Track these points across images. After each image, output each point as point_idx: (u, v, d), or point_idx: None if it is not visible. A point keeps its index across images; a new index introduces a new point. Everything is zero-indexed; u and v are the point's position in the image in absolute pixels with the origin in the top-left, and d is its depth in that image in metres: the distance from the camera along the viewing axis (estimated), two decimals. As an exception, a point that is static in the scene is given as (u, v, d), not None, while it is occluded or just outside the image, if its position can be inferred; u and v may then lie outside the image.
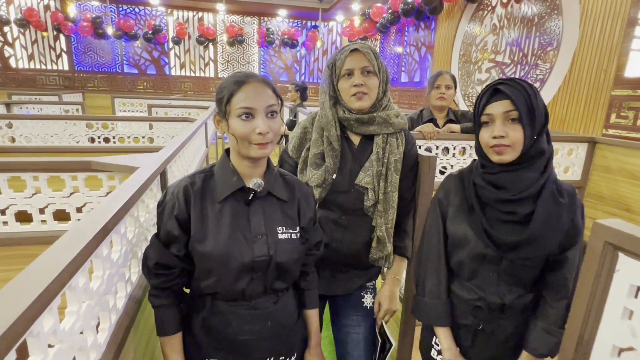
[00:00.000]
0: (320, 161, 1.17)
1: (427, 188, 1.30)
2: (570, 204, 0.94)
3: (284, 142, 3.90)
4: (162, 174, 1.39)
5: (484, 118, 0.95)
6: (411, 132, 1.76)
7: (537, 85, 3.39)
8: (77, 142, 3.13)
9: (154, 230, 1.04)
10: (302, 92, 4.08)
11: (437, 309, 1.05)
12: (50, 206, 1.45)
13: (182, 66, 8.38)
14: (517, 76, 3.00)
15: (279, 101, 0.89)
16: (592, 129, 2.76)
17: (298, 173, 1.21)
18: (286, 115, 4.36)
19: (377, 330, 1.27)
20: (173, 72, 8.36)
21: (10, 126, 2.99)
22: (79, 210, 1.48)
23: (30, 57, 7.58)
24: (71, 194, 1.46)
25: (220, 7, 7.46)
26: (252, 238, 0.88)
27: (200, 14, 8.17)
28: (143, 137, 3.34)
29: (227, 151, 0.93)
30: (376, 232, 1.19)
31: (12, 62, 7.47)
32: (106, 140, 3.22)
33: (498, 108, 0.91)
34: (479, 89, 4.31)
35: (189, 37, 8.22)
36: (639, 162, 2.32)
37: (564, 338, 0.68)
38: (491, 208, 0.97)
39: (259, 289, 0.90)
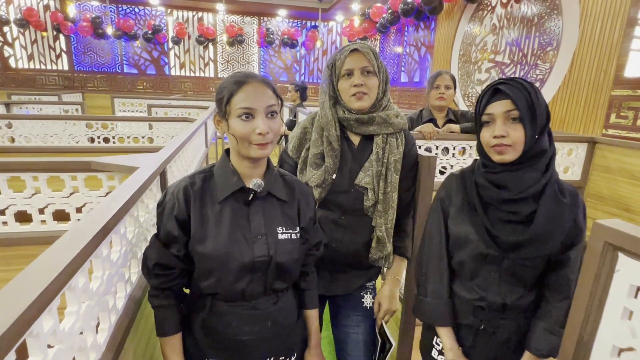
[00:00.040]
0: (320, 161, 1.17)
1: (427, 188, 1.30)
2: (572, 203, 0.94)
3: (283, 142, 3.90)
4: (162, 174, 1.39)
5: (484, 118, 0.95)
6: (411, 132, 1.76)
7: (536, 85, 3.39)
8: (77, 142, 3.13)
9: (154, 230, 1.04)
10: (302, 92, 4.08)
11: (439, 309, 1.05)
12: (50, 206, 1.45)
13: (182, 66, 8.38)
14: (516, 76, 2.99)
15: (279, 101, 0.89)
16: (592, 129, 2.76)
17: (298, 173, 1.21)
18: (286, 115, 4.36)
19: (377, 331, 1.27)
20: (173, 72, 8.36)
21: (9, 126, 2.99)
22: (78, 210, 1.48)
23: (30, 57, 7.57)
24: (71, 194, 1.46)
25: (220, 7, 7.46)
26: (252, 238, 0.88)
27: (200, 14, 8.17)
28: (143, 137, 3.34)
29: (227, 151, 0.92)
30: (376, 232, 1.19)
31: (12, 62, 7.46)
32: (106, 140, 3.22)
33: (499, 108, 0.92)
34: (479, 89, 4.31)
35: (189, 37, 8.22)
36: (638, 162, 2.33)
37: (563, 338, 0.68)
38: (493, 208, 0.96)
39: (259, 289, 0.90)
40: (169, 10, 8.06)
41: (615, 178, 2.47)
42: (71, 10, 7.19)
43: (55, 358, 0.57)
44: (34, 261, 0.59)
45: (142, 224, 1.11)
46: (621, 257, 0.58)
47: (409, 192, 1.27)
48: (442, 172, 2.32)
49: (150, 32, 7.77)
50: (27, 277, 0.54)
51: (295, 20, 8.58)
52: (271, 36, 8.35)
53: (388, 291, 1.26)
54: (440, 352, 1.10)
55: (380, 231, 1.18)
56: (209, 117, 3.34)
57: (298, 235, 0.94)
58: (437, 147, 2.24)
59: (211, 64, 8.48)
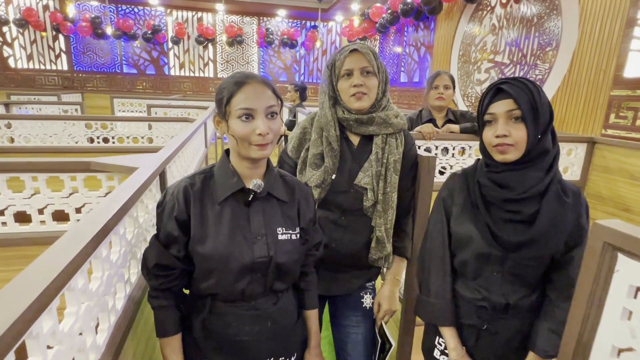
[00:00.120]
0: (320, 161, 1.17)
1: (426, 188, 1.30)
2: (575, 203, 0.94)
3: (283, 142, 3.90)
4: (162, 175, 1.39)
5: (487, 117, 0.95)
6: (410, 132, 1.76)
7: (536, 85, 3.37)
8: (76, 143, 3.13)
9: (153, 231, 1.04)
10: (302, 92, 4.08)
11: (441, 309, 1.05)
12: (49, 207, 1.45)
13: (182, 66, 8.37)
14: (520, 76, 2.99)
15: (279, 102, 0.89)
16: (591, 129, 2.77)
17: (297, 173, 1.21)
18: (285, 115, 4.36)
19: (376, 331, 1.27)
20: (172, 72, 8.35)
21: (9, 126, 2.98)
22: (78, 210, 1.48)
23: (29, 57, 7.56)
24: (70, 194, 1.45)
25: (220, 7, 7.46)
26: (252, 239, 0.88)
27: (199, 14, 8.16)
28: (142, 138, 3.34)
29: (227, 152, 0.92)
30: (375, 232, 1.19)
31: (11, 62, 7.45)
32: (105, 140, 3.21)
33: (501, 107, 0.91)
34: (478, 89, 4.31)
35: (188, 37, 8.21)
36: (637, 162, 2.33)
37: (563, 338, 0.68)
38: (495, 207, 0.96)
39: (259, 289, 0.90)
40: (168, 10, 8.05)
41: (614, 178, 2.47)
42: (70, 10, 7.17)
43: (55, 359, 0.57)
44: (33, 262, 0.59)
45: (142, 224, 1.11)
46: (620, 257, 0.58)
47: (408, 192, 1.27)
48: (441, 173, 2.32)
49: (149, 32, 7.76)
50: (27, 278, 0.54)
51: (295, 21, 8.58)
52: (271, 36, 8.34)
53: (388, 291, 1.26)
54: (443, 352, 1.10)
55: (379, 231, 1.18)
56: (208, 117, 3.34)
57: (298, 235, 0.94)
58: (436, 147, 2.24)
59: (211, 64, 8.48)
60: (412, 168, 1.27)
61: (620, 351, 0.58)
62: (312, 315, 1.06)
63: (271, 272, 0.90)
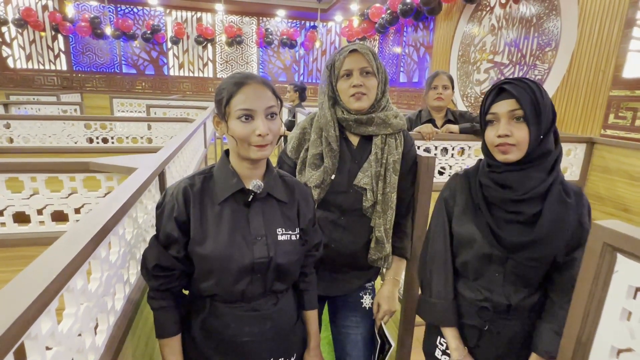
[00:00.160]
0: (319, 162, 1.17)
1: (426, 189, 1.30)
2: (577, 204, 0.93)
3: (282, 142, 3.90)
4: (161, 175, 1.39)
5: (489, 117, 0.95)
6: (410, 132, 1.76)
7: (535, 85, 3.38)
8: (76, 143, 3.12)
9: (153, 231, 1.04)
10: (301, 92, 4.08)
11: (443, 309, 1.05)
12: (48, 207, 1.45)
13: (181, 66, 8.37)
14: (511, 77, 3.00)
15: (279, 102, 0.89)
16: (591, 130, 2.77)
17: (297, 174, 1.21)
18: (285, 115, 4.36)
19: (376, 331, 1.27)
20: (172, 73, 8.34)
21: (8, 127, 2.98)
22: (77, 211, 1.48)
23: (28, 57, 7.55)
24: (69, 194, 1.45)
25: (219, 7, 7.45)
26: (251, 239, 0.88)
27: (198, 14, 8.16)
28: (141, 138, 3.33)
29: (227, 152, 0.92)
30: (375, 232, 1.19)
31: (10, 62, 7.44)
32: (104, 140, 3.21)
33: (503, 107, 0.91)
34: (478, 89, 4.32)
35: (188, 37, 8.21)
36: (636, 162, 2.33)
37: (562, 339, 0.68)
38: (497, 208, 0.96)
39: (259, 290, 0.90)
40: (167, 11, 8.05)
41: (613, 178, 2.47)
42: (70, 11, 7.16)
43: (54, 360, 0.57)
44: (32, 263, 0.59)
45: (141, 225, 1.11)
46: (620, 258, 0.58)
47: (407, 192, 1.27)
48: (441, 173, 2.32)
49: (149, 32, 7.76)
50: (26, 279, 0.54)
51: (294, 21, 8.58)
52: (270, 36, 8.34)
53: (387, 292, 1.25)
54: (444, 352, 1.10)
55: (379, 232, 1.18)
56: (208, 117, 3.34)
57: (298, 236, 0.94)
58: (436, 148, 2.24)
59: (210, 64, 8.47)
60: (412, 168, 1.27)
61: (619, 352, 0.58)
62: (311, 315, 1.06)
63: (271, 272, 0.90)
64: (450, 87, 2.16)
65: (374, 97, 1.13)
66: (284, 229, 0.92)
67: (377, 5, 6.12)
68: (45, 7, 7.45)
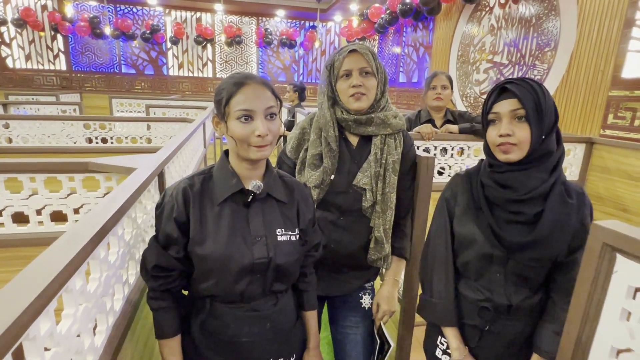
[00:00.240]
0: (319, 162, 1.17)
1: (425, 189, 1.30)
2: (579, 204, 0.93)
3: (282, 142, 3.89)
4: (160, 175, 1.39)
5: (491, 116, 0.95)
6: (409, 132, 1.76)
7: (534, 85, 3.37)
8: (75, 143, 3.12)
9: (152, 231, 1.04)
10: (301, 92, 4.08)
11: (444, 309, 1.05)
12: (47, 207, 1.45)
13: (180, 66, 8.36)
14: (514, 77, 2.99)
15: (278, 102, 0.89)
16: (590, 130, 2.77)
17: (296, 174, 1.21)
18: (284, 115, 4.36)
19: (375, 331, 1.27)
20: (171, 73, 8.34)
21: (7, 127, 2.97)
22: (76, 211, 1.47)
23: (28, 57, 7.54)
24: (68, 195, 1.45)
25: (219, 7, 7.45)
26: (251, 240, 0.88)
27: (198, 14, 8.15)
28: (141, 138, 3.33)
29: (226, 152, 0.92)
30: (374, 232, 1.19)
31: (9, 62, 7.43)
32: (104, 140, 3.20)
33: (505, 106, 0.91)
34: (477, 89, 4.32)
35: (187, 37, 8.20)
36: (636, 162, 2.33)
37: (562, 339, 0.68)
38: (499, 208, 0.96)
39: (258, 290, 0.90)
40: (167, 11, 8.04)
41: (612, 178, 2.47)
42: (69, 10, 7.15)
43: (52, 361, 0.57)
44: (31, 263, 0.58)
45: (140, 225, 1.11)
46: (619, 258, 0.58)
47: (407, 192, 1.27)
48: (440, 173, 2.32)
49: (148, 32, 7.75)
50: (24, 280, 0.54)
51: (294, 21, 8.57)
52: (269, 36, 8.34)
53: (387, 292, 1.25)
54: (445, 352, 1.10)
55: (378, 232, 1.18)
56: (207, 117, 3.33)
57: (297, 236, 0.94)
58: (435, 148, 2.24)
59: (209, 64, 8.47)
60: (411, 168, 1.27)
61: (619, 352, 0.58)
62: (311, 316, 1.06)
63: (270, 273, 0.90)
64: (449, 87, 2.16)
65: (374, 97, 1.13)
66: (283, 230, 0.92)
67: (377, 5, 6.12)
68: (44, 7, 7.44)
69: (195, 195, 0.88)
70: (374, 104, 1.14)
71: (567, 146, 2.57)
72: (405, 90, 6.25)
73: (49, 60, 7.68)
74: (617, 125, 2.57)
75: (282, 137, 3.74)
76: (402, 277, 1.43)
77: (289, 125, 3.93)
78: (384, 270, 1.30)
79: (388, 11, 5.69)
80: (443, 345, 1.10)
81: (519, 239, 0.92)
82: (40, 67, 7.64)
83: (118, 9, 7.82)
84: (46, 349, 0.56)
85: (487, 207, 0.97)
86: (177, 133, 3.09)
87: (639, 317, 0.55)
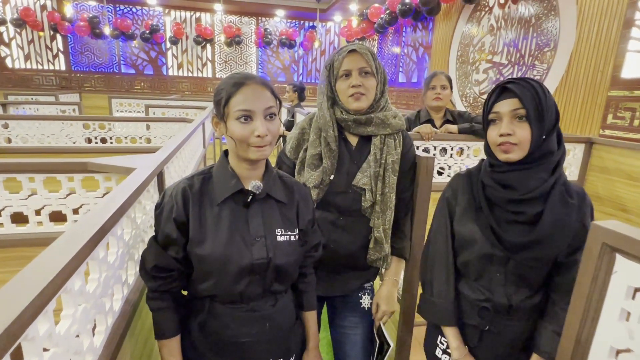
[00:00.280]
0: (318, 162, 1.17)
1: (425, 189, 1.30)
2: (579, 205, 0.93)
3: (281, 142, 3.89)
4: (159, 175, 1.39)
5: (491, 116, 0.95)
6: (409, 132, 1.76)
7: (534, 85, 3.37)
8: (74, 143, 3.12)
9: (151, 232, 1.04)
10: (300, 92, 4.08)
11: (444, 308, 1.05)
12: (47, 207, 1.44)
13: (180, 66, 8.36)
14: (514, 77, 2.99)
15: (278, 102, 0.89)
16: (589, 130, 2.77)
17: (296, 174, 1.21)
18: (284, 115, 4.36)
19: (375, 332, 1.27)
20: (170, 73, 8.33)
21: (6, 127, 2.97)
22: (75, 211, 1.47)
23: (27, 57, 7.54)
24: (67, 195, 1.45)
25: (218, 7, 7.44)
26: (250, 240, 0.88)
27: (197, 14, 8.15)
28: (140, 138, 3.33)
29: (226, 153, 0.92)
30: (374, 233, 1.19)
31: (9, 62, 7.42)
32: (103, 140, 3.20)
33: (505, 106, 0.91)
34: (477, 89, 4.32)
35: (187, 37, 8.20)
36: (635, 162, 2.33)
37: (561, 339, 0.68)
38: (499, 208, 0.96)
39: (258, 291, 0.90)
40: (166, 10, 8.04)
41: (612, 178, 2.48)
42: (68, 10, 7.14)
43: (51, 361, 0.57)
44: (29, 264, 0.58)
45: (140, 225, 1.10)
46: (619, 258, 0.58)
47: (406, 193, 1.27)
48: (440, 173, 2.32)
49: (147, 32, 7.74)
50: (23, 280, 0.54)
51: (293, 21, 8.57)
52: (269, 36, 8.34)
53: (386, 292, 1.25)
54: (445, 351, 1.10)
55: (378, 232, 1.18)
56: (206, 117, 3.33)
57: (297, 237, 0.94)
58: (435, 148, 2.24)
59: (209, 64, 8.47)
60: (411, 169, 1.27)
61: (618, 352, 0.58)
62: (310, 316, 1.06)
63: (270, 273, 0.90)
64: (448, 87, 2.16)
65: (373, 97, 1.13)
66: (283, 230, 0.92)
67: (376, 5, 6.12)
68: (43, 7, 7.44)
69: (195, 196, 0.87)
70: (373, 104, 1.14)
71: (566, 146, 2.56)
72: (405, 91, 6.25)
73: (48, 60, 7.68)
74: (616, 125, 2.58)
75: (281, 137, 3.74)
76: (402, 277, 1.43)
77: (289, 125, 3.93)
78: (383, 270, 1.30)
79: (387, 11, 5.70)
80: (443, 344, 1.10)
81: (520, 239, 0.92)
82: (40, 67, 7.63)
83: (117, 8, 7.81)
84: (45, 350, 0.56)
85: (488, 207, 0.97)
86: (176, 133, 3.09)
87: (639, 317, 0.55)
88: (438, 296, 1.06)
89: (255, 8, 7.88)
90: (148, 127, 3.36)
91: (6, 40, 7.33)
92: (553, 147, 0.91)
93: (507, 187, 0.94)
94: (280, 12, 8.12)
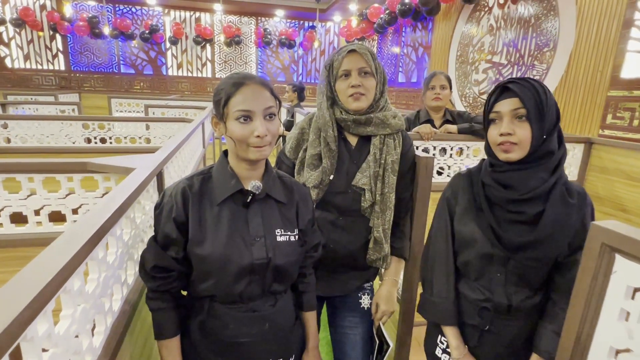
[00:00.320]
0: (318, 162, 1.16)
1: (424, 189, 1.30)
2: (580, 204, 0.93)
3: (281, 142, 3.89)
4: (159, 175, 1.39)
5: (492, 115, 0.95)
6: (408, 132, 1.76)
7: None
8: (74, 143, 3.11)
9: (150, 232, 1.03)
10: (300, 92, 4.08)
11: (444, 308, 1.05)
12: (46, 207, 1.44)
13: (179, 66, 8.35)
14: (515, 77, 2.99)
15: (277, 103, 0.89)
16: (589, 130, 2.77)
17: (295, 174, 1.20)
18: (283, 115, 4.36)
19: (374, 332, 1.27)
20: (170, 72, 8.33)
21: (5, 127, 2.97)
22: (74, 211, 1.47)
23: (26, 57, 7.53)
24: (67, 195, 1.45)
25: (218, 7, 7.44)
26: (250, 241, 0.87)
27: (197, 14, 8.15)
28: (140, 138, 3.32)
29: (225, 153, 0.92)
30: (373, 233, 1.19)
31: (8, 62, 7.42)
32: (102, 140, 3.20)
33: (506, 106, 0.91)
34: (476, 89, 4.32)
35: (186, 37, 8.20)
36: (634, 162, 2.34)
37: (561, 339, 0.68)
38: (499, 208, 0.96)
39: (257, 291, 0.90)
40: (166, 10, 8.03)
41: (611, 178, 2.48)
42: (68, 10, 7.14)
43: (50, 362, 0.57)
44: (28, 264, 0.58)
45: (139, 225, 1.10)
46: (618, 258, 0.58)
47: (406, 193, 1.27)
48: (439, 173, 2.32)
49: (147, 32, 7.74)
50: (22, 280, 0.54)
51: (293, 21, 8.57)
52: (269, 36, 8.33)
53: (386, 292, 1.25)
54: (444, 351, 1.10)
55: (377, 232, 1.18)
56: (206, 117, 3.33)
57: (296, 237, 0.94)
58: (434, 148, 2.24)
59: (209, 64, 8.46)
60: (410, 169, 1.27)
61: (618, 352, 0.58)
62: (310, 317, 1.06)
63: (269, 273, 0.89)
64: (447, 87, 2.16)
65: (373, 97, 1.13)
66: (282, 230, 0.92)
67: (376, 5, 6.12)
68: (43, 7, 7.43)
69: (195, 196, 0.87)
70: (373, 104, 1.14)
71: (566, 146, 2.57)
72: (404, 91, 6.25)
73: (47, 60, 7.67)
74: (615, 126, 2.58)
75: (281, 137, 3.74)
76: (401, 277, 1.43)
77: (288, 125, 3.93)
78: (383, 270, 1.30)
79: (387, 11, 5.70)
80: (443, 344, 1.11)
81: (520, 239, 0.92)
82: (39, 67, 7.62)
83: (117, 8, 7.81)
84: (44, 350, 0.56)
85: (488, 207, 0.97)
86: (176, 133, 3.08)
87: (638, 317, 0.55)
88: (438, 296, 1.06)
89: (255, 8, 7.88)
90: (147, 127, 3.35)
91: (5, 40, 7.32)
92: (554, 147, 0.91)
93: (508, 186, 0.94)
94: (280, 12, 8.12)
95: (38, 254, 0.62)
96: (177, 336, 0.91)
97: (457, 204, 1.05)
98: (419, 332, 1.45)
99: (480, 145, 2.29)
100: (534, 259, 0.93)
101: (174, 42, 8.01)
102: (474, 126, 2.15)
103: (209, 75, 8.48)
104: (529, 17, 3.52)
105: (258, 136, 0.82)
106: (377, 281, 1.35)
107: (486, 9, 4.14)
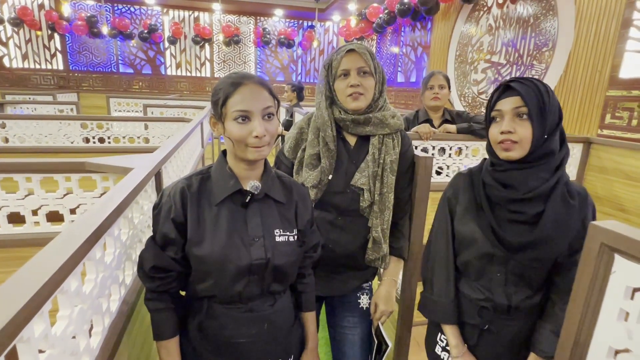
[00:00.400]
0: (316, 162, 1.16)
1: (423, 189, 1.30)
2: (581, 205, 0.93)
3: (280, 142, 3.89)
4: (157, 175, 1.38)
5: (493, 114, 0.95)
6: (407, 132, 1.76)
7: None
8: (72, 143, 3.10)
9: (149, 232, 1.03)
10: (299, 92, 4.08)
11: (444, 307, 1.05)
12: (43, 207, 1.43)
13: (178, 66, 8.34)
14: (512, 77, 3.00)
15: (276, 102, 0.88)
16: (587, 130, 2.78)
17: (294, 174, 1.20)
18: (282, 115, 4.35)
19: (373, 331, 1.27)
20: (169, 72, 8.31)
21: (3, 126, 2.95)
22: (72, 211, 1.46)
23: (24, 57, 7.50)
24: (65, 195, 1.44)
25: (217, 6, 7.43)
26: (249, 241, 0.87)
27: (196, 13, 8.13)
28: (138, 138, 3.31)
29: (224, 153, 0.92)
30: (372, 233, 1.19)
31: (6, 62, 7.39)
32: (101, 140, 3.19)
33: (507, 104, 0.91)
34: (475, 89, 4.32)
35: (185, 37, 8.18)
36: (633, 162, 2.34)
37: (560, 339, 0.68)
38: (500, 207, 0.96)
39: (256, 291, 0.89)
40: (165, 10, 8.02)
41: (610, 178, 2.48)
42: (66, 9, 7.12)
43: (47, 363, 0.56)
44: (25, 264, 0.58)
45: (137, 225, 1.10)
46: (617, 258, 0.58)
47: (405, 192, 1.27)
48: (438, 173, 2.32)
49: (146, 31, 7.72)
50: (19, 281, 0.53)
51: (292, 20, 8.56)
52: (268, 36, 8.32)
53: (385, 292, 1.25)
54: (444, 349, 1.10)
55: (376, 232, 1.18)
56: (205, 117, 3.33)
57: (295, 237, 0.94)
58: (433, 148, 2.24)
59: (207, 64, 8.45)
60: (409, 168, 1.26)
61: (617, 352, 0.58)
62: (309, 317, 1.06)
63: (268, 274, 0.89)
64: (446, 87, 2.16)
65: (372, 97, 1.13)
66: (281, 230, 0.91)
67: (375, 5, 6.12)
68: (41, 6, 7.40)
69: (193, 196, 0.87)
70: (371, 104, 1.14)
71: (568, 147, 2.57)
72: (403, 90, 6.25)
73: (46, 60, 7.65)
74: (614, 125, 2.58)
75: (280, 137, 3.74)
76: (400, 277, 1.43)
77: (287, 125, 3.92)
78: (382, 270, 1.30)
79: (386, 11, 5.69)
80: (442, 342, 1.11)
81: (520, 239, 0.92)
82: (37, 66, 7.60)
83: (115, 8, 7.79)
84: (41, 351, 0.55)
85: (488, 207, 0.97)
86: (174, 133, 3.08)
87: (637, 317, 0.55)
88: (438, 295, 1.06)
89: (254, 7, 7.87)
90: (146, 127, 3.34)
91: (3, 39, 7.29)
92: (555, 147, 0.91)
93: (508, 186, 0.94)
94: (279, 12, 8.11)
95: (35, 254, 0.61)
96: (176, 337, 0.91)
97: (458, 203, 1.05)
98: (417, 332, 1.45)
99: (479, 144, 2.29)
100: (534, 259, 0.93)
101: (172, 41, 7.99)
102: (473, 126, 2.15)
103: (208, 75, 8.47)
104: (527, 17, 3.52)
105: (256, 136, 0.82)
106: (376, 281, 1.35)
107: (485, 8, 4.14)
